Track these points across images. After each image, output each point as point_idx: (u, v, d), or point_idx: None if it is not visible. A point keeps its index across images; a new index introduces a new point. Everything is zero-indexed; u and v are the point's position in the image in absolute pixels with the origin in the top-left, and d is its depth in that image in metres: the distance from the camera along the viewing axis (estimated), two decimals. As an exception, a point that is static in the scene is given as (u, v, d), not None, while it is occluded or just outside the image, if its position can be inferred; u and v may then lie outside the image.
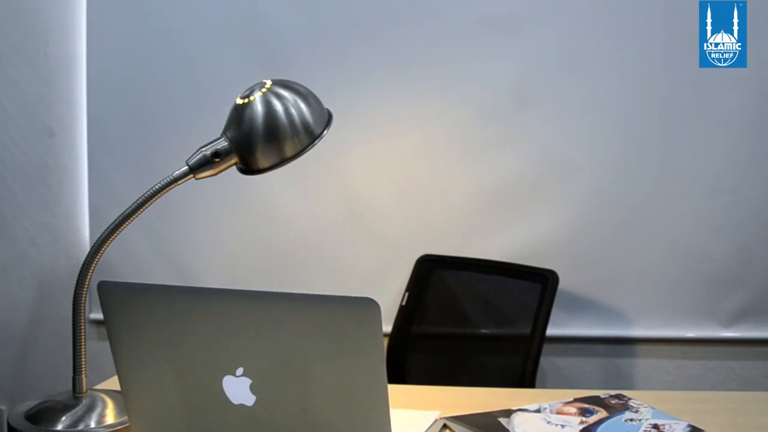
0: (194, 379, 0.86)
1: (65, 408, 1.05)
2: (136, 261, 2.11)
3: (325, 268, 2.07)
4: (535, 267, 1.84)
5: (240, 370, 0.83)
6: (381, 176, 2.03)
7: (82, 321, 1.06)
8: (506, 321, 1.89)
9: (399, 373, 1.92)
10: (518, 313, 1.84)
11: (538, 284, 1.80)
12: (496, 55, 1.95)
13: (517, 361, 1.78)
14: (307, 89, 1.12)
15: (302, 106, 1.09)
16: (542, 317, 1.76)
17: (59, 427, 1.02)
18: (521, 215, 1.98)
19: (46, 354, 2.23)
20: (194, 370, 0.86)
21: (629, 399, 1.17)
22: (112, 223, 1.04)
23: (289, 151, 1.08)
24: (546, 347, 1.78)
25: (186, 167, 1.07)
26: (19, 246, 2.20)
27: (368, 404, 0.79)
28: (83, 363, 1.07)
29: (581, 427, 1.08)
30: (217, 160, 1.08)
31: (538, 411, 1.14)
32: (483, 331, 1.93)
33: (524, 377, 1.74)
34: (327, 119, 1.12)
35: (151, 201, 1.05)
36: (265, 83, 1.09)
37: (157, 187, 1.05)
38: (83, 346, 1.06)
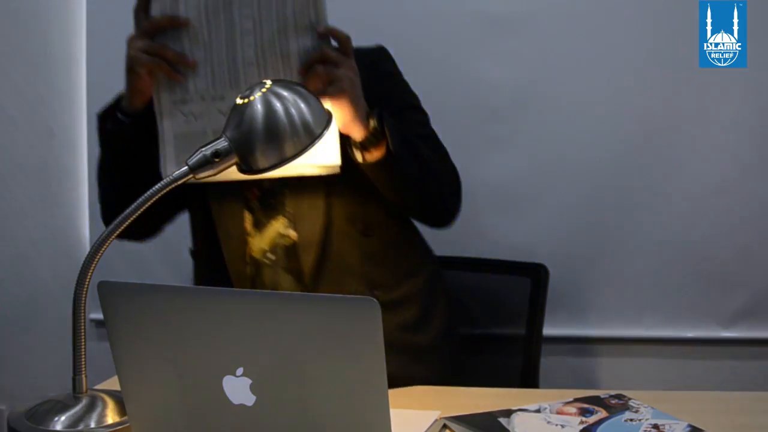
0: (194, 379, 0.86)
1: (65, 408, 1.05)
2: (136, 261, 2.11)
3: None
4: (524, 262, 1.81)
5: (240, 370, 0.83)
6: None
7: (82, 321, 1.06)
8: (504, 320, 1.88)
9: (399, 373, 1.91)
10: (515, 312, 1.83)
11: (527, 278, 1.78)
12: (495, 54, 1.95)
13: (516, 360, 1.78)
14: (307, 89, 1.12)
15: (302, 106, 1.09)
16: (538, 313, 1.75)
17: (59, 427, 1.02)
18: (520, 215, 1.99)
19: (46, 354, 2.22)
20: (194, 370, 0.86)
21: (629, 399, 1.17)
22: (113, 223, 1.04)
23: (289, 151, 1.08)
24: (546, 347, 1.78)
25: (186, 167, 1.07)
26: (19, 246, 2.20)
27: (368, 404, 0.79)
28: (83, 363, 1.07)
29: (581, 427, 1.08)
30: (217, 160, 1.08)
31: (538, 411, 1.14)
32: (481, 330, 1.92)
33: (523, 376, 1.75)
34: (327, 119, 1.13)
35: (151, 201, 1.05)
36: (265, 83, 1.09)
37: (157, 187, 1.05)
38: (83, 346, 1.06)
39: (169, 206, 1.45)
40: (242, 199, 1.39)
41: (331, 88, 1.17)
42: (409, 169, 1.30)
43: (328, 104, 1.17)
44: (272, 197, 1.38)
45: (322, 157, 1.21)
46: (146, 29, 1.23)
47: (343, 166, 1.24)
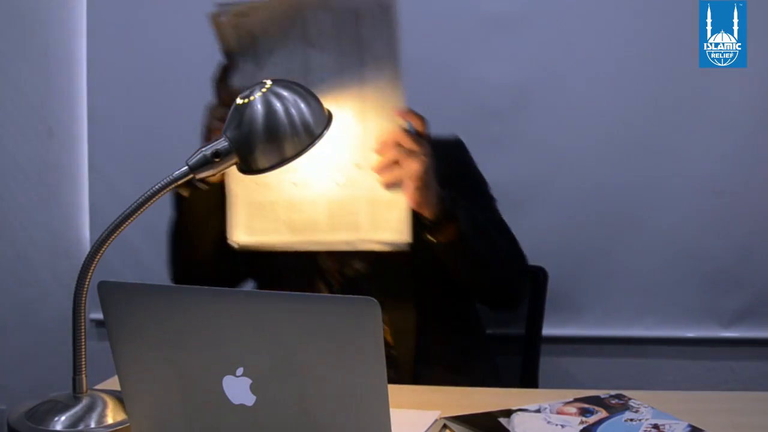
0: (194, 379, 0.86)
1: (65, 408, 1.05)
2: (136, 261, 2.11)
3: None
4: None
5: (240, 370, 0.83)
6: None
7: (82, 321, 1.06)
8: (504, 321, 1.88)
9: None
10: (515, 313, 1.83)
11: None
12: (495, 54, 1.95)
13: (516, 361, 1.78)
14: (307, 89, 1.12)
15: (302, 106, 1.09)
16: (537, 315, 1.75)
17: (59, 427, 1.02)
18: (520, 214, 1.98)
19: (46, 354, 2.23)
20: (194, 370, 0.86)
21: (629, 399, 1.17)
22: (112, 223, 1.04)
23: (289, 151, 1.08)
24: (546, 347, 1.78)
25: (186, 167, 1.07)
26: (19, 246, 2.20)
27: (368, 404, 0.79)
28: (83, 363, 1.07)
29: (581, 427, 1.08)
30: (217, 160, 1.08)
31: (538, 411, 1.14)
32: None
33: (523, 377, 1.75)
34: (327, 119, 1.13)
35: (151, 201, 1.05)
36: (265, 83, 1.09)
37: (157, 187, 1.05)
38: (83, 346, 1.06)
39: (238, 273, 1.47)
40: (324, 283, 1.40)
41: (406, 168, 1.19)
42: (479, 251, 1.33)
43: (401, 188, 1.20)
44: (357, 282, 1.39)
45: (392, 234, 1.22)
46: (224, 100, 1.25)
47: (418, 246, 1.24)
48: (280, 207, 1.25)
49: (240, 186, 1.26)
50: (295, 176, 1.22)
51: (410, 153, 1.19)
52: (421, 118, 1.23)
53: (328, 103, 1.17)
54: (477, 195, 1.48)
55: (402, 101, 1.22)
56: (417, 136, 1.22)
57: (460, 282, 1.39)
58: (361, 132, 1.20)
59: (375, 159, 1.20)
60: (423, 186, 1.20)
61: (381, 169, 1.20)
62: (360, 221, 1.23)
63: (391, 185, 1.21)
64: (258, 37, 1.24)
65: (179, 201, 1.38)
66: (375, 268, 1.36)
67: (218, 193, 1.30)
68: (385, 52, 1.21)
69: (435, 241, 1.28)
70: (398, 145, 1.19)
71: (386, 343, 1.34)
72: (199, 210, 1.34)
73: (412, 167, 1.18)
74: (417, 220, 1.24)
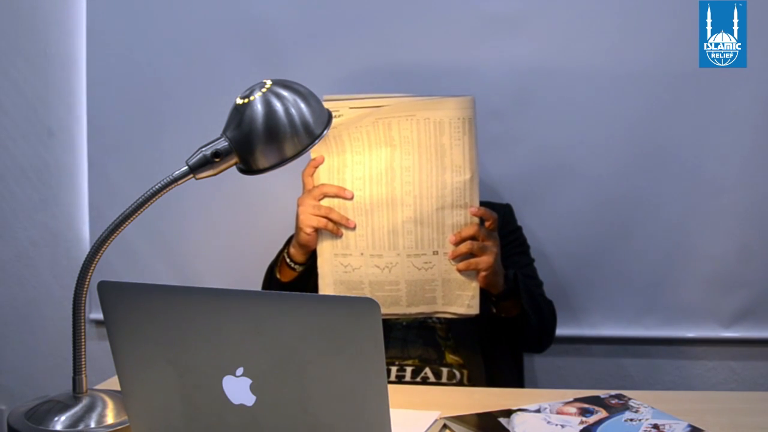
0: (194, 379, 0.86)
1: (65, 408, 1.05)
2: (136, 261, 2.11)
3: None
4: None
5: (240, 370, 0.83)
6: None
7: (82, 321, 1.06)
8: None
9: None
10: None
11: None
12: (496, 53, 1.95)
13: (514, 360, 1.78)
14: (307, 89, 1.12)
15: (302, 106, 1.09)
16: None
17: (59, 427, 1.02)
18: (519, 215, 1.98)
19: (46, 354, 2.23)
20: (194, 370, 0.86)
21: (629, 399, 1.17)
22: (112, 223, 1.04)
23: (289, 151, 1.08)
24: (546, 347, 1.79)
25: (186, 167, 1.07)
26: (19, 246, 2.20)
27: (368, 404, 0.79)
28: (83, 363, 1.07)
29: (581, 427, 1.08)
30: (217, 160, 1.08)
31: (538, 411, 1.14)
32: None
33: (519, 377, 1.76)
34: (327, 119, 1.13)
35: (151, 201, 1.05)
36: (265, 83, 1.09)
37: (157, 187, 1.05)
38: (83, 346, 1.06)
39: None
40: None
41: (479, 259, 1.40)
42: (533, 323, 1.56)
43: (474, 271, 1.42)
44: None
45: (463, 309, 1.44)
46: (315, 195, 1.43)
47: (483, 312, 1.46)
48: (365, 287, 1.43)
49: (329, 266, 1.44)
50: (380, 261, 1.42)
51: (483, 247, 1.40)
52: (492, 216, 1.43)
53: (410, 201, 1.40)
54: (521, 257, 1.72)
55: (477, 202, 1.42)
56: (489, 231, 1.42)
57: (513, 338, 1.65)
58: (440, 225, 1.40)
59: (452, 248, 1.40)
60: (494, 270, 1.42)
61: (457, 259, 1.40)
62: (436, 297, 1.43)
63: (465, 270, 1.41)
64: (344, 137, 1.40)
65: (278, 286, 1.55)
66: (448, 323, 1.60)
67: (309, 275, 1.50)
68: (463, 158, 1.42)
69: (498, 312, 1.54)
70: (473, 239, 1.40)
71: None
72: (295, 289, 1.53)
73: (485, 259, 1.40)
74: (484, 295, 1.45)
